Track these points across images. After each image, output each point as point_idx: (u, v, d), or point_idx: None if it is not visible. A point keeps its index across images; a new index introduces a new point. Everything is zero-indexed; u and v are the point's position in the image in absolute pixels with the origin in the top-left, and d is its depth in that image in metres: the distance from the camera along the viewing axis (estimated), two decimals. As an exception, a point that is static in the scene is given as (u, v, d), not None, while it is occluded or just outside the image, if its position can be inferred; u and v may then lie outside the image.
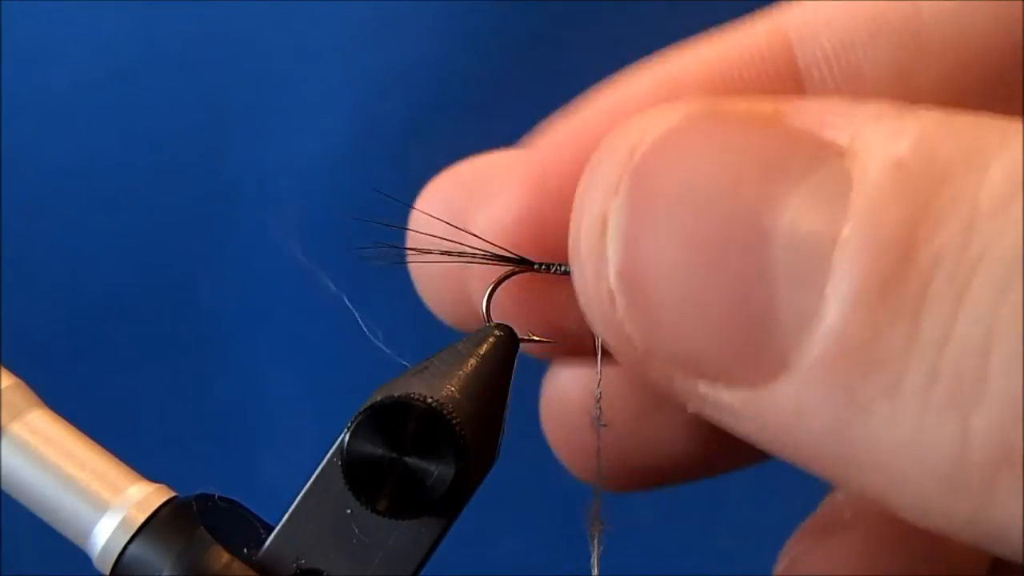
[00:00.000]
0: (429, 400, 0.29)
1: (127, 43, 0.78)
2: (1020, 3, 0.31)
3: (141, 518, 0.31)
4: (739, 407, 0.26)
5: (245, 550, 0.31)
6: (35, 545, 0.63)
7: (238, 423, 0.78)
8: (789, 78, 0.33)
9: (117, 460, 0.33)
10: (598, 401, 0.33)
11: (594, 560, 0.32)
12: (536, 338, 0.35)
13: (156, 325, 0.78)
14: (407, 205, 0.36)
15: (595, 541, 0.32)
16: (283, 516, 0.31)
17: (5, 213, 0.76)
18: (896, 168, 0.23)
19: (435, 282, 0.37)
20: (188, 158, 0.77)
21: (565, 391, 0.41)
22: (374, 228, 0.34)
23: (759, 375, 0.25)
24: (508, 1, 0.75)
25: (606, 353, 0.31)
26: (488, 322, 0.34)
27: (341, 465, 0.30)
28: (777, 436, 0.25)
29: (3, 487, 0.32)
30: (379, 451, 0.29)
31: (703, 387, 0.26)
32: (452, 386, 0.31)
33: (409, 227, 0.36)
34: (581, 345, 0.34)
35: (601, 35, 0.75)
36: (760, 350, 0.25)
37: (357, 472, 0.29)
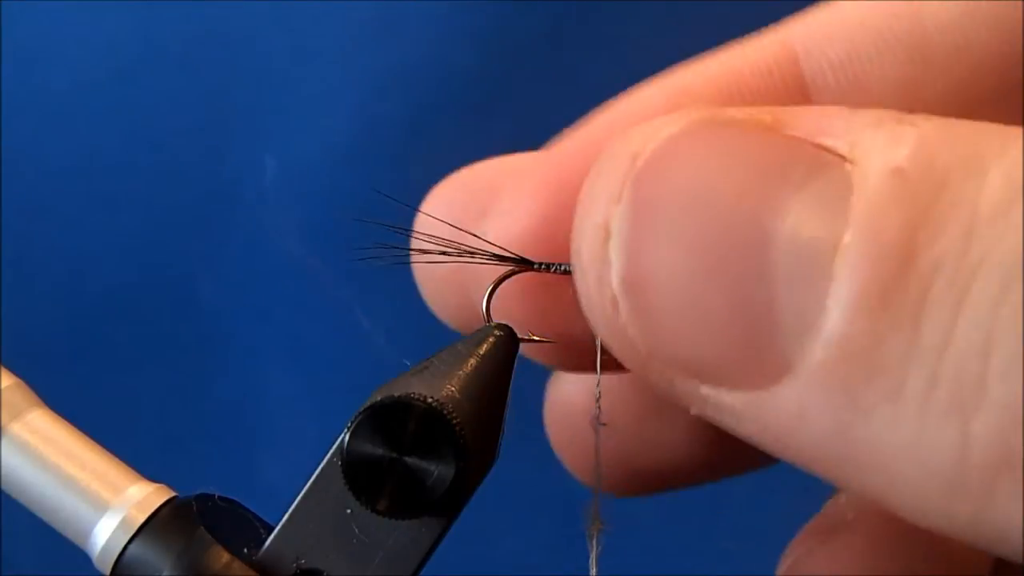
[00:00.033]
0: (429, 400, 0.29)
1: (127, 43, 0.78)
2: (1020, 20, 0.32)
3: (141, 518, 0.31)
4: (741, 410, 0.26)
5: (245, 550, 0.31)
6: (35, 545, 0.63)
7: (238, 423, 0.78)
8: (796, 90, 0.34)
9: (117, 460, 0.33)
10: (597, 401, 0.33)
11: (593, 559, 0.32)
12: (536, 338, 0.35)
13: (156, 325, 0.78)
14: (407, 205, 0.36)
15: (594, 541, 0.32)
16: (283, 516, 0.31)
17: (5, 213, 0.76)
18: (896, 174, 0.24)
19: (439, 285, 0.37)
20: (188, 158, 0.77)
21: (569, 395, 0.41)
22: (374, 228, 0.34)
23: (761, 379, 0.25)
24: (508, 1, 0.75)
25: (608, 357, 0.31)
26: (488, 322, 0.34)
27: (341, 465, 0.30)
28: (779, 438, 0.26)
29: (3, 487, 0.32)
30: (379, 451, 0.29)
31: (705, 390, 0.26)
32: (452, 386, 0.31)
33: (410, 228, 0.36)
34: (581, 345, 0.34)
35: (601, 35, 0.75)
36: (762, 354, 0.25)
37: (357, 472, 0.29)
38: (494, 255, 0.34)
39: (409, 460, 0.29)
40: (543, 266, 0.34)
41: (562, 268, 0.34)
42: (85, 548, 0.32)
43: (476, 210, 0.35)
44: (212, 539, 0.31)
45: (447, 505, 0.30)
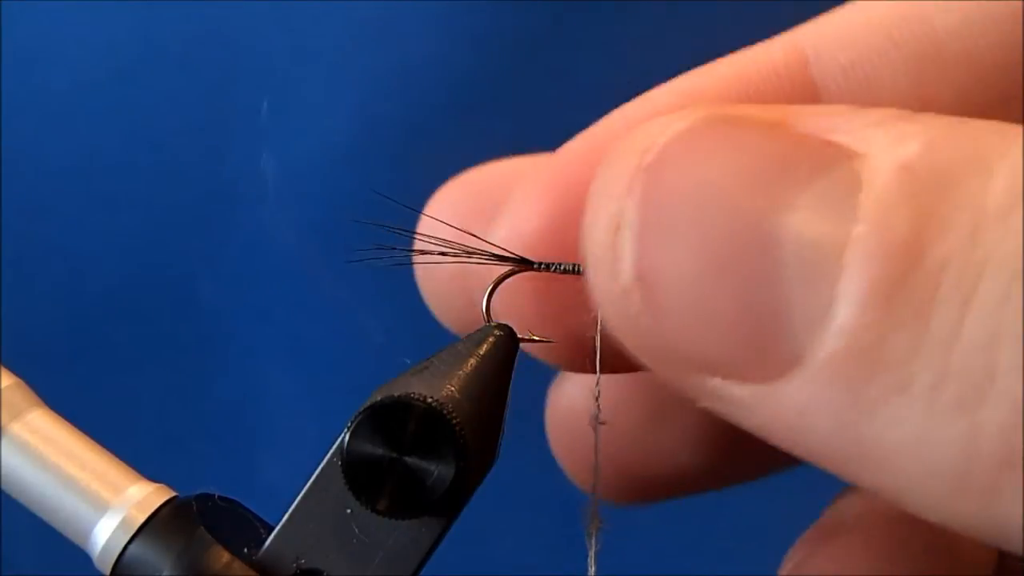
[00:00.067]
0: (429, 400, 0.29)
1: (127, 43, 0.78)
2: None
3: (141, 518, 0.31)
4: (750, 403, 0.26)
5: (245, 550, 0.31)
6: (35, 545, 0.63)
7: (238, 423, 0.78)
8: (806, 94, 0.34)
9: (117, 460, 0.33)
10: (597, 399, 0.33)
11: (592, 559, 0.32)
12: (536, 337, 0.35)
13: (156, 325, 0.78)
14: (407, 206, 0.36)
15: (592, 540, 0.32)
16: (283, 516, 0.31)
17: (5, 213, 0.76)
18: (905, 171, 0.24)
19: (441, 288, 0.37)
20: (188, 158, 0.77)
21: (571, 401, 0.41)
22: (374, 228, 0.34)
23: (770, 373, 0.25)
24: (508, 1, 0.75)
25: (609, 356, 0.31)
26: (488, 322, 0.34)
27: (341, 465, 0.30)
28: (787, 432, 0.26)
29: (3, 487, 0.32)
30: (379, 451, 0.29)
31: (715, 383, 0.26)
32: (452, 386, 0.31)
33: (410, 228, 0.36)
34: (581, 344, 0.34)
35: (601, 35, 0.75)
36: (771, 348, 0.25)
37: (357, 472, 0.29)
38: (494, 255, 0.34)
39: (409, 460, 0.29)
40: (543, 266, 0.34)
41: (562, 267, 0.34)
42: (85, 548, 0.32)
43: (482, 212, 0.36)
44: (212, 539, 0.31)
45: (447, 505, 0.30)
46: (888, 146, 0.25)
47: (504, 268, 0.35)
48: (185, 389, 0.78)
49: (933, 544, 0.38)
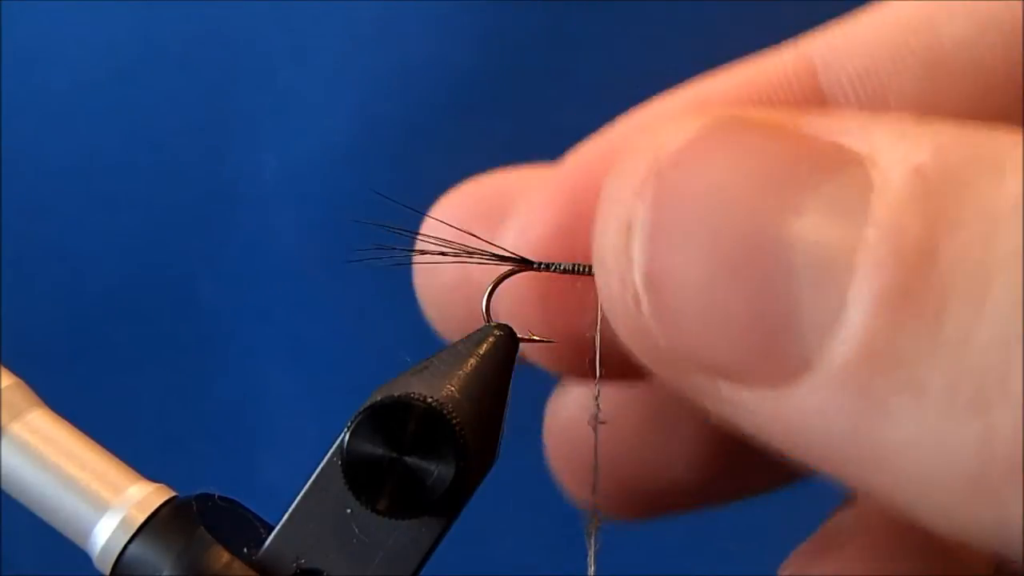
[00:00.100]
0: (429, 400, 0.29)
1: (127, 43, 0.78)
2: None
3: (141, 518, 0.31)
4: (760, 409, 0.26)
5: (245, 550, 0.31)
6: (35, 545, 0.63)
7: (238, 423, 0.78)
8: (814, 103, 0.34)
9: (117, 460, 0.33)
10: (597, 398, 0.33)
11: (591, 558, 0.32)
12: (536, 338, 0.35)
13: (156, 325, 0.78)
14: (407, 206, 0.36)
15: (592, 540, 0.32)
16: (283, 516, 0.31)
17: (5, 213, 0.76)
18: (916, 174, 0.24)
19: (441, 298, 0.37)
20: (188, 158, 0.77)
21: (569, 416, 0.41)
22: (374, 228, 0.34)
23: (781, 377, 0.25)
24: (508, 1, 0.75)
25: (610, 362, 0.31)
26: (488, 322, 0.34)
27: (341, 465, 0.30)
28: (798, 438, 0.25)
29: (3, 487, 0.32)
30: (379, 451, 0.29)
31: (725, 389, 0.26)
32: (452, 386, 0.31)
33: (410, 228, 0.36)
34: (581, 344, 0.34)
35: (601, 35, 0.75)
36: (783, 352, 0.25)
37: (357, 472, 0.29)
38: (494, 255, 0.34)
39: (409, 460, 0.29)
40: (543, 265, 0.34)
41: (562, 267, 0.34)
42: (85, 548, 0.32)
43: (486, 220, 0.35)
44: (212, 539, 0.31)
45: (447, 505, 0.30)
46: (899, 150, 0.25)
47: (504, 268, 0.35)
48: (185, 389, 0.78)
49: (932, 547, 0.38)
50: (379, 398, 0.30)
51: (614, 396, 0.34)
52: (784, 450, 0.26)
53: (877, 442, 0.24)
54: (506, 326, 0.33)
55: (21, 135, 0.77)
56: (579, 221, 0.34)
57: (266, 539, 0.31)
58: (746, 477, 0.42)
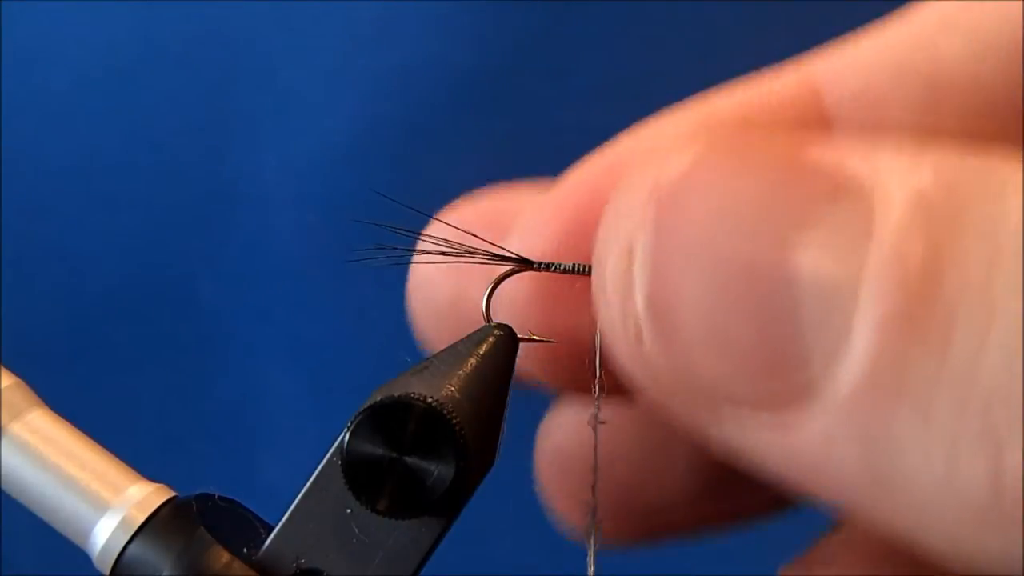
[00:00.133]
0: (429, 400, 0.29)
1: (127, 43, 0.78)
2: None
3: (141, 518, 0.31)
4: (766, 440, 0.25)
5: (245, 550, 0.31)
6: (35, 545, 0.63)
7: (238, 423, 0.78)
8: (817, 121, 0.34)
9: (117, 460, 0.33)
10: (597, 399, 0.33)
11: (591, 558, 0.32)
12: (536, 338, 0.35)
13: (156, 325, 0.78)
14: (407, 205, 0.36)
15: (592, 540, 0.32)
16: (283, 516, 0.31)
17: (5, 213, 0.76)
18: (918, 199, 0.24)
19: (432, 316, 0.37)
20: (188, 158, 0.77)
21: (560, 440, 0.41)
22: (374, 228, 0.34)
23: (786, 405, 0.25)
24: (508, 1, 0.75)
25: (609, 378, 0.31)
26: (488, 322, 0.34)
27: (341, 465, 0.30)
28: (805, 469, 0.25)
29: (3, 487, 0.32)
30: (379, 451, 0.29)
31: (728, 417, 0.26)
32: (452, 386, 0.31)
33: (410, 228, 0.36)
34: (581, 345, 0.34)
35: (601, 35, 0.75)
36: (787, 379, 0.25)
37: (357, 472, 0.29)
38: (494, 255, 0.34)
39: (409, 460, 0.29)
40: (543, 266, 0.34)
41: (562, 267, 0.34)
42: (85, 548, 0.32)
43: (487, 237, 0.36)
44: (212, 539, 0.31)
45: (447, 505, 0.30)
46: (900, 176, 0.24)
47: (504, 268, 0.35)
48: (185, 389, 0.78)
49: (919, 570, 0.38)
50: (379, 398, 0.30)
51: (607, 415, 0.34)
52: (788, 480, 0.26)
53: (883, 470, 0.24)
54: (506, 326, 0.33)
55: (21, 135, 0.77)
56: (579, 239, 0.34)
57: (266, 539, 0.31)
58: (742, 500, 0.42)
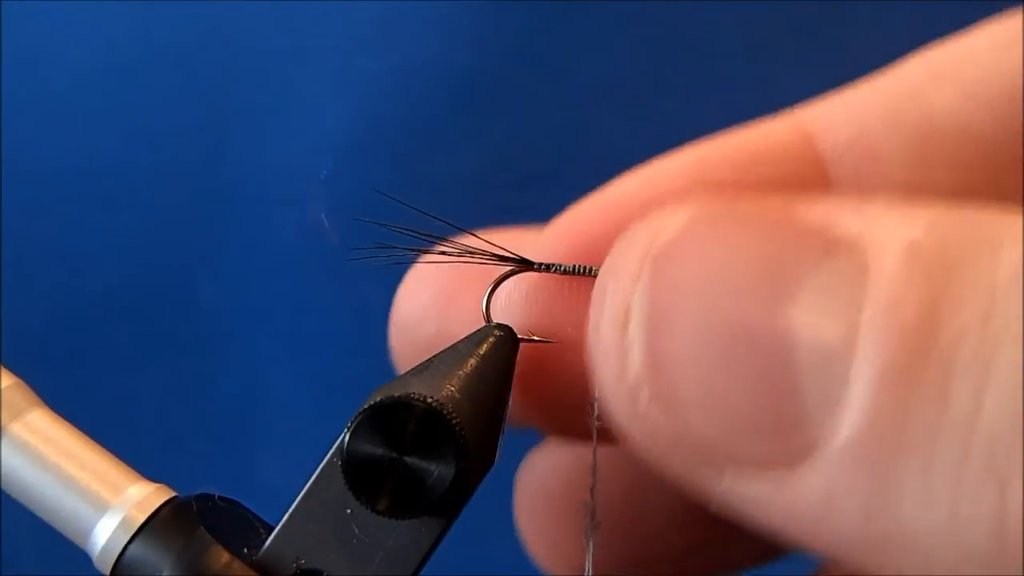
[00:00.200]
0: (429, 400, 0.29)
1: (127, 43, 0.78)
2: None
3: (141, 518, 0.31)
4: (768, 497, 0.25)
5: (245, 550, 0.31)
6: (35, 545, 0.63)
7: (238, 423, 0.78)
8: (812, 167, 0.35)
9: (117, 460, 0.33)
10: (594, 403, 0.33)
11: (589, 558, 0.32)
12: (536, 338, 0.35)
13: (156, 325, 0.78)
14: (407, 204, 0.36)
15: (590, 542, 0.32)
16: (283, 516, 0.31)
17: (5, 213, 0.76)
18: (911, 252, 0.24)
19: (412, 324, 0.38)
20: (188, 158, 0.77)
21: (541, 482, 0.41)
22: (374, 227, 0.34)
23: (787, 462, 0.25)
24: (508, 1, 0.75)
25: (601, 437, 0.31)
26: (488, 322, 0.34)
27: (341, 465, 0.30)
28: (807, 524, 0.25)
29: (3, 487, 0.32)
30: (379, 451, 0.29)
31: (730, 478, 0.26)
32: (452, 386, 0.31)
33: (410, 227, 0.36)
34: (581, 346, 0.34)
35: (601, 35, 0.75)
36: (787, 437, 0.25)
37: (357, 472, 0.29)
38: (494, 255, 0.34)
39: (409, 460, 0.29)
40: (543, 266, 0.34)
41: (562, 268, 0.34)
42: (85, 548, 0.32)
43: (475, 281, 0.36)
44: (212, 539, 0.31)
45: (447, 505, 0.30)
46: (891, 230, 0.25)
47: (504, 268, 0.35)
48: (185, 389, 0.78)
49: None
50: (379, 398, 0.30)
51: (605, 460, 0.34)
52: (791, 536, 0.26)
53: (886, 523, 0.24)
54: (506, 326, 0.34)
55: (21, 135, 0.77)
56: (564, 294, 0.34)
57: (266, 539, 0.31)
58: (732, 546, 0.42)
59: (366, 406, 0.30)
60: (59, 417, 0.33)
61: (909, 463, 0.23)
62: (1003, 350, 0.22)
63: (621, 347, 0.27)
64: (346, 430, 0.30)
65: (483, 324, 0.34)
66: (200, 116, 0.77)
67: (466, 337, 0.33)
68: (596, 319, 0.28)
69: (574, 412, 0.31)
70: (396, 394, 0.30)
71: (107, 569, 0.31)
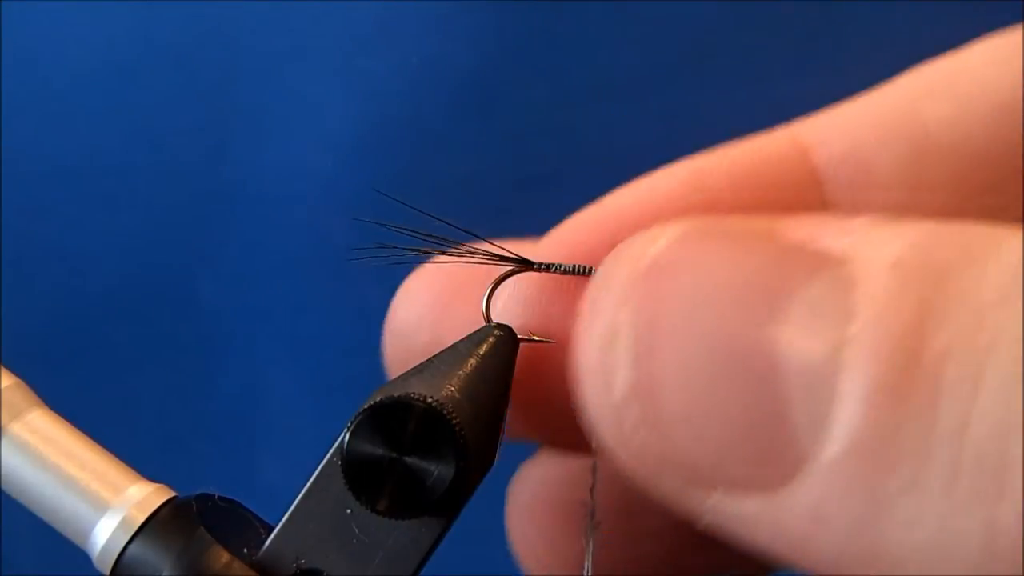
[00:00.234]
0: (429, 400, 0.29)
1: (127, 43, 0.78)
2: (1018, 115, 0.33)
3: (141, 518, 0.31)
4: (756, 515, 0.25)
5: (245, 550, 0.31)
6: (35, 545, 0.63)
7: (238, 423, 0.78)
8: (807, 179, 0.35)
9: (117, 460, 0.33)
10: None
11: (589, 558, 0.32)
12: (536, 338, 0.35)
13: (156, 325, 0.78)
14: (407, 204, 0.36)
15: (590, 542, 0.32)
16: (283, 516, 0.31)
17: (5, 213, 0.76)
18: (896, 267, 0.24)
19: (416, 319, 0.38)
20: (188, 158, 0.77)
21: (533, 496, 0.41)
22: (374, 227, 0.34)
23: (776, 480, 0.25)
24: (508, 1, 0.75)
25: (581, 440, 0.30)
26: (488, 322, 0.34)
27: (341, 465, 0.30)
28: (796, 543, 0.25)
29: (3, 487, 0.32)
30: (379, 451, 0.29)
31: (719, 497, 0.26)
32: (452, 386, 0.31)
33: (410, 228, 0.36)
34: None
35: (601, 36, 0.75)
36: (776, 456, 0.25)
37: (357, 472, 0.29)
38: (494, 255, 0.34)
39: (409, 460, 0.29)
40: (543, 266, 0.34)
41: (562, 268, 0.34)
42: (85, 548, 0.32)
43: (463, 293, 0.36)
44: (212, 539, 0.31)
45: (447, 505, 0.30)
46: (877, 247, 0.25)
47: (504, 268, 0.35)
48: (185, 389, 0.78)
49: None
50: (379, 398, 0.30)
51: (582, 470, 0.34)
52: (780, 555, 0.26)
53: (874, 540, 0.23)
54: (506, 326, 0.33)
55: (21, 135, 0.77)
56: (564, 294, 0.34)
57: (266, 539, 0.31)
58: (721, 560, 0.42)
59: (366, 406, 0.30)
60: (59, 417, 0.33)
61: (897, 480, 0.23)
62: (991, 364, 0.22)
63: (607, 366, 0.27)
64: (346, 430, 0.30)
65: (480, 327, 0.34)
66: (200, 116, 0.77)
67: (466, 337, 0.33)
68: (582, 341, 0.28)
69: (569, 417, 0.31)
70: (396, 394, 0.30)
71: (107, 569, 0.31)
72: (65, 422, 0.33)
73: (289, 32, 0.77)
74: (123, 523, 0.31)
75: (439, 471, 0.29)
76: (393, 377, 0.32)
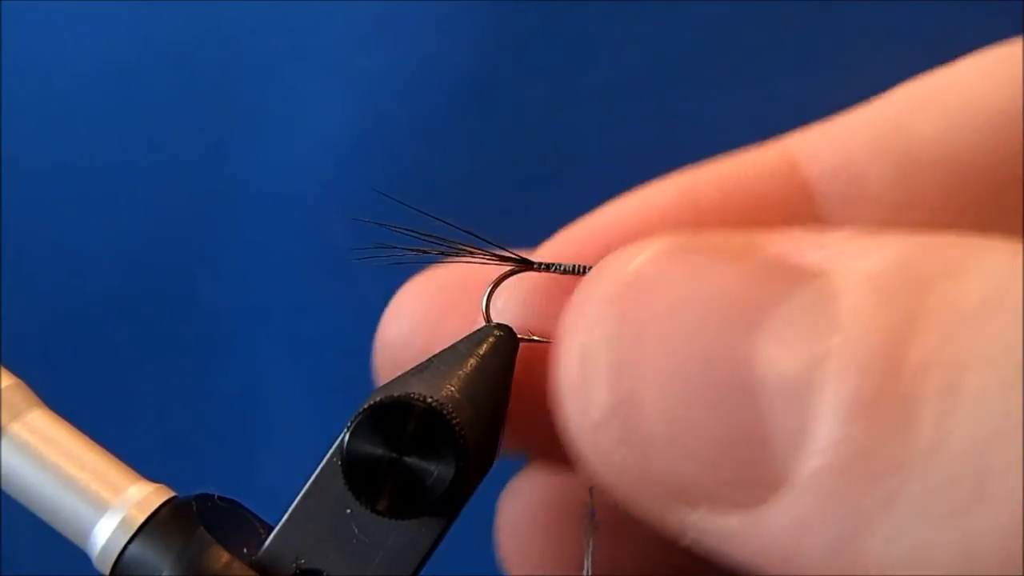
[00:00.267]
0: (429, 400, 0.29)
1: (127, 43, 0.78)
2: (1008, 129, 0.34)
3: (141, 518, 0.31)
4: (736, 532, 0.25)
5: (245, 550, 0.31)
6: (35, 545, 0.63)
7: (238, 423, 0.78)
8: (798, 193, 0.35)
9: (117, 460, 0.33)
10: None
11: (588, 559, 0.32)
12: (536, 338, 0.35)
13: (156, 325, 0.78)
14: (407, 204, 0.36)
15: (590, 542, 0.32)
16: (283, 516, 0.31)
17: (5, 213, 0.76)
18: (875, 280, 0.24)
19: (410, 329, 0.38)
20: (188, 158, 0.77)
21: (524, 510, 0.41)
22: (374, 228, 0.34)
23: (755, 496, 0.25)
24: (508, 1, 0.75)
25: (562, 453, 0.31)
26: (488, 322, 0.34)
27: (341, 465, 0.30)
28: (778, 560, 0.25)
29: (3, 487, 0.32)
30: (379, 451, 0.29)
31: (698, 515, 0.26)
32: (452, 386, 0.31)
33: (410, 228, 0.36)
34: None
35: (600, 36, 0.75)
36: (757, 473, 0.24)
37: (357, 472, 0.29)
38: (494, 255, 0.34)
39: (409, 460, 0.29)
40: (543, 266, 0.34)
41: (562, 268, 0.34)
42: (85, 548, 0.32)
43: (454, 307, 0.36)
44: (212, 539, 0.31)
45: (447, 505, 0.30)
46: (856, 260, 0.24)
47: (504, 268, 0.35)
48: (185, 389, 0.78)
49: None
50: (379, 398, 0.30)
51: (566, 486, 0.34)
52: (761, 571, 0.25)
53: (854, 556, 0.23)
54: (506, 326, 0.33)
55: (21, 135, 0.77)
56: (564, 294, 0.34)
57: (266, 539, 0.31)
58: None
59: (366, 406, 0.30)
60: (59, 417, 0.33)
61: (876, 495, 0.23)
62: (971, 380, 0.22)
63: (586, 384, 0.27)
64: (346, 430, 0.30)
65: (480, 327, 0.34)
66: (200, 116, 0.77)
67: (466, 337, 0.33)
68: (561, 361, 0.28)
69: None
70: (396, 394, 0.30)
71: (107, 569, 0.31)
72: (65, 422, 0.33)
73: (289, 32, 0.77)
74: (123, 523, 0.31)
75: (439, 471, 0.29)
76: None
